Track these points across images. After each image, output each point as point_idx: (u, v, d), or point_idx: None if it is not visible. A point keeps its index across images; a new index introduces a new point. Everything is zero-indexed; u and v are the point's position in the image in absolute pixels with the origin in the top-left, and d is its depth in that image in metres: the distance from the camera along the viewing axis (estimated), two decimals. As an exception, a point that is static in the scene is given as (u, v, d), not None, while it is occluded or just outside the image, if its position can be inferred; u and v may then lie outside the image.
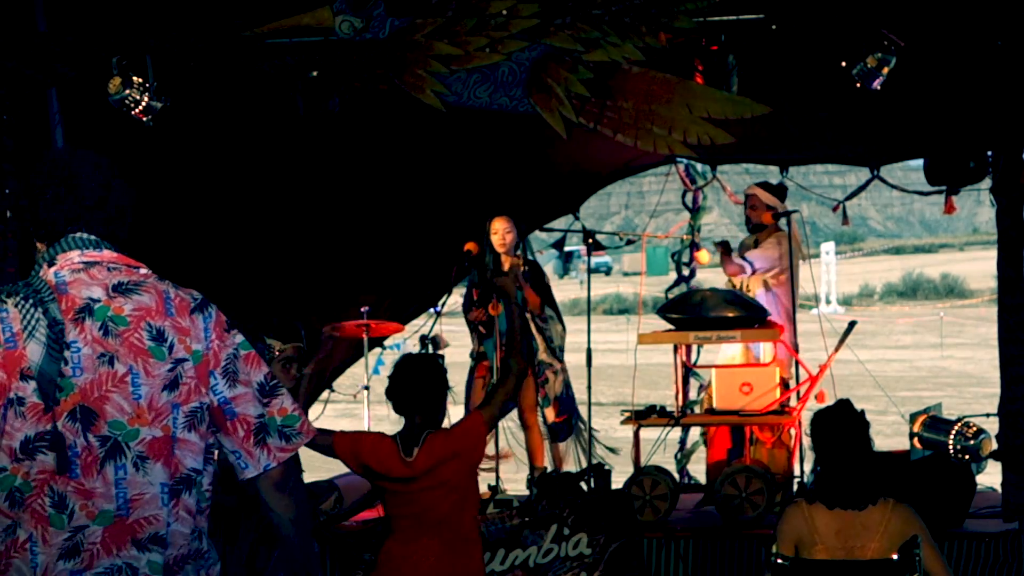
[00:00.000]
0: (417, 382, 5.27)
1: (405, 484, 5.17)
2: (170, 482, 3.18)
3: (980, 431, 7.70)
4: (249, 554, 5.59)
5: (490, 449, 8.96)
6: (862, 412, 5.20)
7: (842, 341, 8.40)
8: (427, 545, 5.15)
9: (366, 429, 5.88)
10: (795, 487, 8.18)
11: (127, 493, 3.14)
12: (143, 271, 3.32)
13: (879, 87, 7.41)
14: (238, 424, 3.27)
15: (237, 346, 3.32)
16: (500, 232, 8.74)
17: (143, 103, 7.72)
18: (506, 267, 8.76)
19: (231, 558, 5.61)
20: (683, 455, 10.43)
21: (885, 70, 7.35)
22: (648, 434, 8.48)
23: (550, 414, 8.84)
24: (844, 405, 5.23)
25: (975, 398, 19.72)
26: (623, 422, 8.55)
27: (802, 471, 8.31)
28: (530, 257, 9.04)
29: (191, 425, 3.22)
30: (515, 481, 9.71)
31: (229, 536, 5.69)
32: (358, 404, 10.27)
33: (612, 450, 9.21)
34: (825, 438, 5.12)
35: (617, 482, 7.98)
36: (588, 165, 10.02)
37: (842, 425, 5.12)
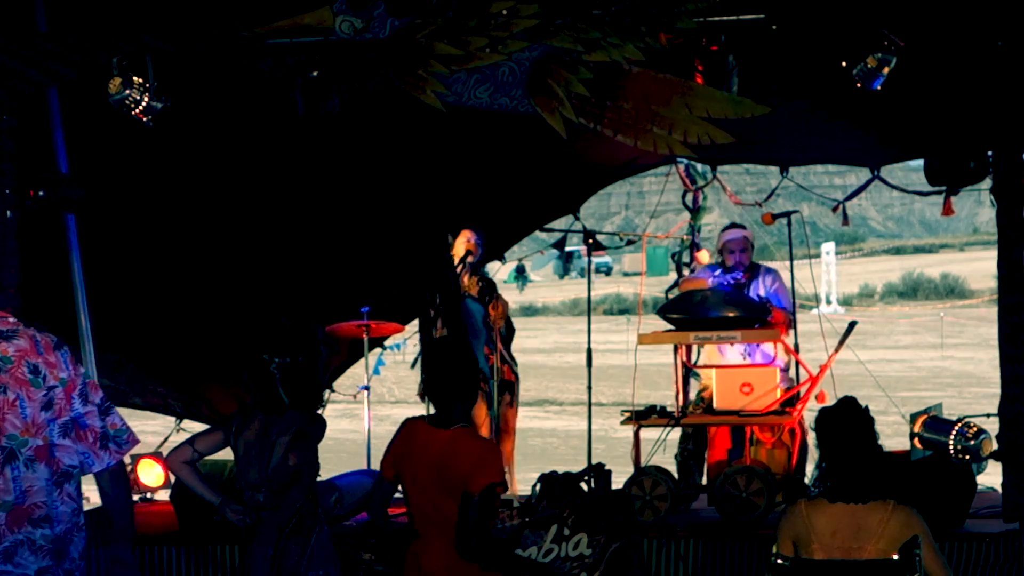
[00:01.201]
0: (452, 367, 5.33)
1: (425, 453, 5.20)
2: (53, 477, 4.34)
3: (980, 431, 7.69)
4: (275, 552, 5.58)
5: None
6: (866, 408, 5.21)
7: (842, 341, 8.40)
8: (442, 548, 5.18)
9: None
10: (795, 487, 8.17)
11: (22, 486, 4.29)
12: (11, 319, 4.40)
13: (879, 87, 7.41)
14: (88, 432, 4.41)
15: (84, 375, 4.44)
16: (469, 246, 8.75)
17: (143, 103, 7.71)
18: (465, 282, 8.78)
19: (256, 555, 5.62)
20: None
21: (885, 70, 7.34)
22: (648, 434, 8.48)
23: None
24: (848, 402, 5.24)
25: (975, 398, 19.72)
26: (623, 422, 8.55)
27: (802, 471, 8.30)
28: (486, 274, 9.08)
29: (64, 433, 4.37)
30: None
31: (250, 534, 5.68)
32: (358, 404, 10.27)
33: None
34: (829, 434, 5.14)
35: (617, 482, 7.98)
36: (588, 166, 10.02)
37: (846, 421, 5.14)
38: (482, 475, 5.13)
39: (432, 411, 5.44)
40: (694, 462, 9.00)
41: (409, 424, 5.42)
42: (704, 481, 8.88)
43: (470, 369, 5.41)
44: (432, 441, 5.27)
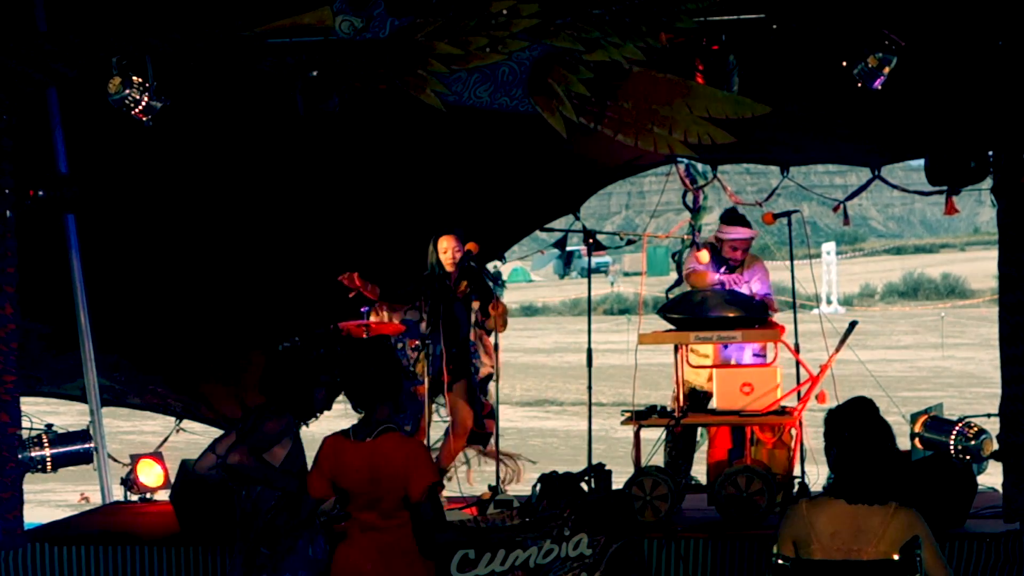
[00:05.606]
0: (376, 368, 5.25)
1: (354, 468, 5.19)
2: None
3: (981, 431, 7.69)
4: (247, 554, 5.64)
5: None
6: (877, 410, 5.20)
7: (843, 341, 8.39)
8: (366, 549, 5.21)
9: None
10: (796, 487, 8.16)
11: None
12: None
13: (880, 87, 7.40)
14: None
15: None
16: (450, 251, 8.80)
17: (143, 103, 7.71)
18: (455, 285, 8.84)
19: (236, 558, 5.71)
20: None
21: (886, 70, 7.34)
22: (648, 434, 8.48)
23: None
24: (864, 403, 5.20)
25: (976, 398, 19.72)
26: (623, 422, 8.54)
27: (803, 471, 8.30)
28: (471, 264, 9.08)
29: None
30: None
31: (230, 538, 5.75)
32: (358, 404, 10.25)
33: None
34: (842, 432, 5.11)
35: (617, 482, 7.97)
36: (588, 166, 10.02)
37: (861, 420, 5.11)
38: (419, 479, 5.14)
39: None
40: (683, 461, 9.04)
41: (331, 441, 5.33)
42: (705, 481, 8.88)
43: (390, 369, 5.30)
44: (360, 454, 5.21)
